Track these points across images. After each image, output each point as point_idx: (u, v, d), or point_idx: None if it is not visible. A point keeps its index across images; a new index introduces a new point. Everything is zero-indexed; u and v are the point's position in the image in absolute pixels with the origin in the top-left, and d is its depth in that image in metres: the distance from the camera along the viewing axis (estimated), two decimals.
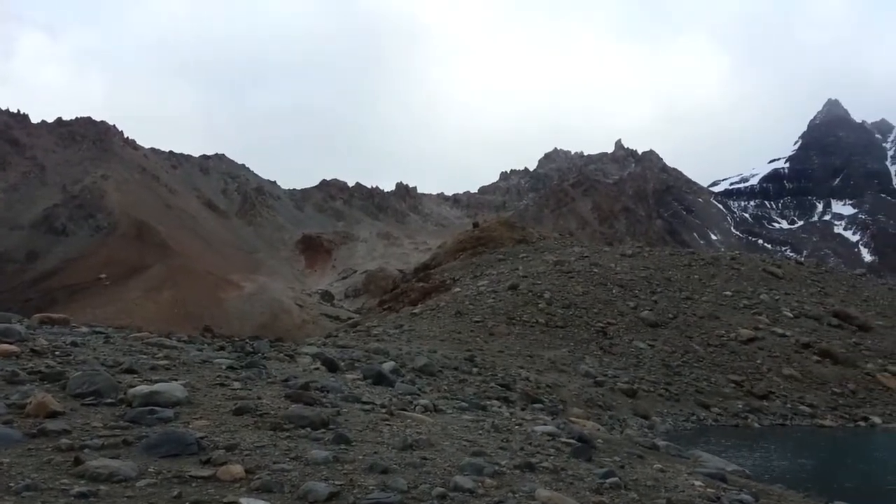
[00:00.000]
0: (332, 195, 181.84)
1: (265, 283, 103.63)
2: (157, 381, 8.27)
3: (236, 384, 9.57)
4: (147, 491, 4.95)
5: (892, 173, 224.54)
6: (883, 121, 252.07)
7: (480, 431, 9.13)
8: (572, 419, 14.94)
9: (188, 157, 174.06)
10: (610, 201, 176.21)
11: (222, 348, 14.56)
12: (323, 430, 7.41)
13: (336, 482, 5.60)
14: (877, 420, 26.04)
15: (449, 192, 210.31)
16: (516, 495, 5.89)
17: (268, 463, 5.92)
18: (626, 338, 31.07)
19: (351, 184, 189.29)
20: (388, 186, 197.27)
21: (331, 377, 12.48)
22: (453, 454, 7.20)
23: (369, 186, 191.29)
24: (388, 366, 16.17)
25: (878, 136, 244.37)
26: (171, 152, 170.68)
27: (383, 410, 9.39)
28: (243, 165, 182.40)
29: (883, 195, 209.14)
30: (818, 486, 12.15)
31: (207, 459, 5.79)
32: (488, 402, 14.74)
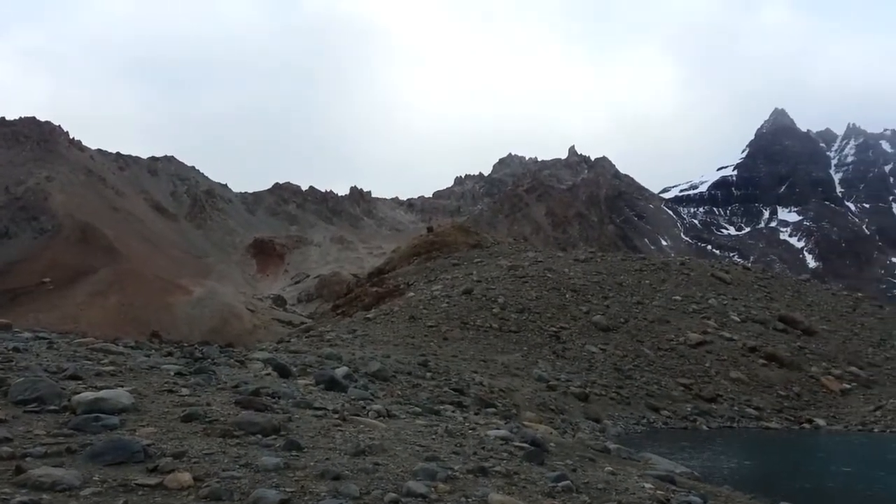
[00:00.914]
0: (285, 199, 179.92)
1: (215, 288, 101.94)
2: (102, 388, 8.08)
3: (185, 390, 9.39)
4: (92, 500, 4.82)
5: (836, 181, 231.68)
6: (827, 130, 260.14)
7: (433, 436, 9.11)
8: (525, 423, 15.01)
9: (136, 158, 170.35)
10: (563, 207, 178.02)
11: (170, 354, 14.27)
12: (274, 437, 7.31)
13: (287, 489, 5.52)
14: (821, 422, 26.77)
15: (404, 197, 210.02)
16: (469, 500, 5.89)
17: (217, 470, 5.82)
18: (579, 342, 31.40)
19: (304, 187, 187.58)
20: (343, 190, 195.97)
21: (282, 383, 12.33)
22: (406, 459, 7.17)
23: (323, 190, 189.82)
24: (341, 371, 16.03)
25: (822, 144, 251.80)
26: (118, 154, 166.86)
27: (336, 416, 9.31)
28: (193, 167, 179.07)
29: (826, 203, 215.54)
30: (764, 488, 12.42)
31: (154, 467, 5.66)
32: (442, 407, 14.72)
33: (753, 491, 10.92)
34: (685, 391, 28.45)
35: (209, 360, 13.94)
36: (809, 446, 22.38)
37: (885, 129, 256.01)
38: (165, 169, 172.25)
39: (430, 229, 57.42)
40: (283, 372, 13.90)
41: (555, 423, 19.57)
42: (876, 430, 25.45)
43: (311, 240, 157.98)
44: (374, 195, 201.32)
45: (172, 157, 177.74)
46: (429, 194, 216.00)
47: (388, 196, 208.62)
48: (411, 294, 37.97)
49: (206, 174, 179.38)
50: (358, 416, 9.85)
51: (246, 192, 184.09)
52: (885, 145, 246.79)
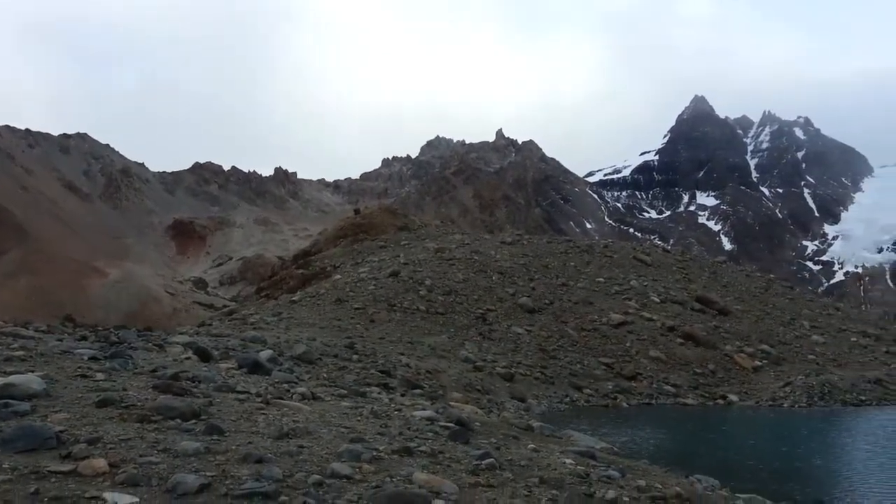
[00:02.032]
0: (206, 179, 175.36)
1: (133, 270, 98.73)
2: (11, 373, 7.80)
3: (100, 375, 9.11)
4: (2, 488, 4.64)
5: (752, 167, 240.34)
6: (744, 117, 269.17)
7: (359, 418, 9.08)
8: (451, 404, 15.12)
9: (46, 135, 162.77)
10: (491, 190, 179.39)
11: (84, 338, 13.79)
12: (194, 421, 7.17)
13: (207, 473, 5.42)
14: (734, 398, 27.91)
15: (330, 179, 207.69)
16: (394, 479, 5.89)
17: (134, 456, 5.67)
18: (505, 324, 31.78)
19: (226, 167, 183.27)
20: (267, 171, 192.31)
21: (203, 367, 12.08)
22: (331, 441, 7.13)
23: (246, 171, 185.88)
24: (265, 354, 15.81)
25: (739, 131, 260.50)
26: (27, 130, 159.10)
27: (259, 399, 9.18)
28: (107, 146, 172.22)
29: (742, 187, 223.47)
30: (680, 461, 12.87)
31: (68, 454, 5.49)
32: (368, 389, 14.69)
33: (670, 464, 11.30)
34: (607, 370, 29.19)
35: (126, 344, 13.54)
36: (723, 421, 23.29)
37: (799, 117, 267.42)
38: (78, 147, 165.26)
39: (357, 211, 57.03)
40: (204, 356, 13.60)
41: (481, 403, 19.80)
42: (785, 405, 26.67)
43: (233, 221, 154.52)
44: (299, 176, 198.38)
45: (86, 134, 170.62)
46: (356, 176, 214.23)
47: (314, 177, 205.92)
48: (338, 276, 37.67)
49: (121, 152, 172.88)
50: (282, 399, 9.74)
51: (164, 172, 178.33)
52: (798, 132, 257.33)
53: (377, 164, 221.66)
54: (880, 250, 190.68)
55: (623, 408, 25.14)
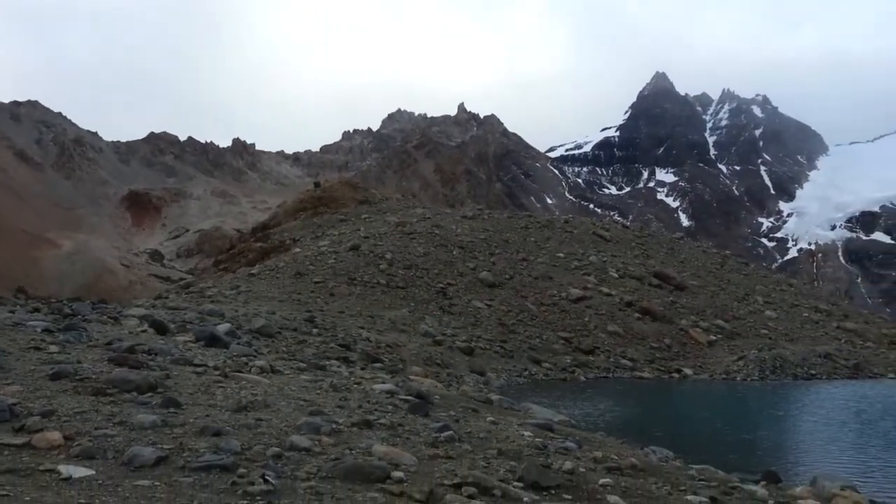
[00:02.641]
0: (162, 149, 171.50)
1: (86, 242, 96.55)
2: None
3: (53, 348, 8.96)
4: None
5: (710, 144, 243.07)
6: (704, 94, 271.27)
7: (318, 391, 9.08)
8: (411, 377, 15.19)
9: None
10: (452, 164, 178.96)
11: (37, 310, 13.51)
12: (150, 394, 7.10)
13: (164, 446, 5.38)
14: (688, 371, 28.53)
15: (289, 151, 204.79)
16: (353, 452, 5.91)
17: (89, 429, 5.61)
18: (465, 298, 31.92)
19: (182, 138, 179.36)
20: (224, 142, 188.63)
21: (160, 340, 11.94)
22: (290, 414, 7.12)
23: (203, 141, 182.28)
24: (223, 327, 15.67)
25: (698, 108, 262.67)
26: None
27: (216, 373, 9.12)
28: (60, 114, 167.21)
29: (701, 164, 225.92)
30: (636, 433, 13.13)
31: (21, 427, 5.42)
32: (328, 363, 14.68)
33: (626, 436, 11.52)
34: (565, 344, 29.56)
35: (80, 317, 13.31)
36: (677, 394, 23.81)
37: (757, 95, 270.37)
38: (29, 115, 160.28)
39: (317, 184, 56.56)
40: (161, 328, 13.43)
41: (440, 376, 19.91)
42: (738, 378, 27.36)
43: (190, 193, 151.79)
44: (258, 148, 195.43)
45: (37, 102, 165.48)
46: (316, 149, 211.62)
47: (274, 149, 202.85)
48: (297, 250, 37.38)
49: (74, 121, 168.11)
50: (240, 372, 9.68)
51: (119, 142, 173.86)
52: (756, 110, 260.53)
53: (337, 137, 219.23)
54: (833, 228, 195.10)
55: (581, 381, 25.52)
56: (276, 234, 43.72)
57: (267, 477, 4.91)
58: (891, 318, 60.70)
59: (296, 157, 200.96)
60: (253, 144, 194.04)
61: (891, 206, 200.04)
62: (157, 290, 57.30)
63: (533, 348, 28.41)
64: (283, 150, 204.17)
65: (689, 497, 6.06)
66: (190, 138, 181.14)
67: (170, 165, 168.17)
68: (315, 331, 21.38)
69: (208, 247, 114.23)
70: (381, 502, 4.70)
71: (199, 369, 9.20)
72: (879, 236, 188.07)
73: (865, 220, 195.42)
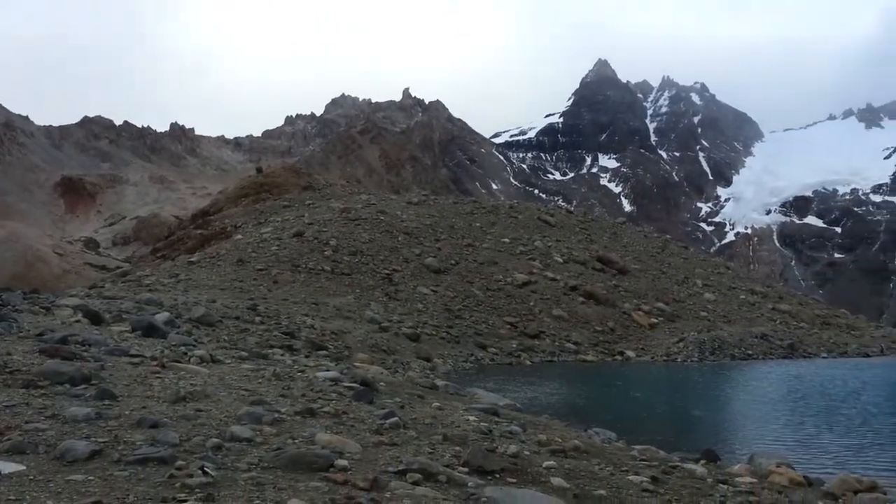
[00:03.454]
0: (96, 134, 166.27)
1: (17, 230, 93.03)
2: None
3: None
4: None
5: (651, 130, 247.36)
6: (644, 82, 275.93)
7: (260, 380, 8.92)
8: (357, 364, 15.08)
9: None
10: (397, 149, 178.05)
11: None
12: (84, 386, 6.87)
13: (99, 439, 5.21)
14: (631, 354, 29.12)
15: (230, 135, 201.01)
16: (296, 441, 5.81)
17: (19, 423, 5.41)
18: (411, 284, 31.87)
19: (118, 122, 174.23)
20: (162, 126, 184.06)
21: (94, 330, 11.57)
22: (230, 404, 6.97)
23: (139, 126, 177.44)
24: (161, 317, 15.30)
25: (639, 95, 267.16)
26: None
27: (154, 363, 8.89)
28: None
29: (642, 150, 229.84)
30: (580, 415, 13.31)
31: None
32: (270, 351, 14.47)
33: (570, 419, 11.67)
34: (511, 329, 29.81)
35: (10, 307, 12.80)
36: (620, 377, 24.22)
37: (696, 83, 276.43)
38: None
39: (259, 170, 55.75)
40: (95, 318, 13.03)
41: (386, 363, 19.85)
42: (679, 360, 28.04)
43: (126, 178, 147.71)
44: (197, 132, 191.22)
45: None
46: (257, 133, 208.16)
47: (214, 134, 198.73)
48: (239, 237, 36.77)
49: (3, 105, 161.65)
50: (179, 362, 9.46)
51: (51, 126, 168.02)
52: (695, 97, 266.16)
53: (280, 122, 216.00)
54: (768, 212, 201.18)
55: (526, 365, 25.77)
56: (217, 221, 42.90)
57: (206, 468, 4.79)
58: (823, 300, 63.01)
59: (237, 142, 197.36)
60: (192, 129, 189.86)
61: (823, 190, 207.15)
62: (93, 279, 55.65)
63: (479, 333, 28.56)
64: (223, 135, 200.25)
65: (630, 477, 6.14)
66: (126, 122, 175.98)
67: (105, 150, 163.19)
68: (258, 319, 21.05)
69: (146, 234, 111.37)
70: (324, 491, 4.62)
71: (136, 360, 8.95)
72: (812, 220, 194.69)
73: (799, 205, 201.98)
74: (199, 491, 4.39)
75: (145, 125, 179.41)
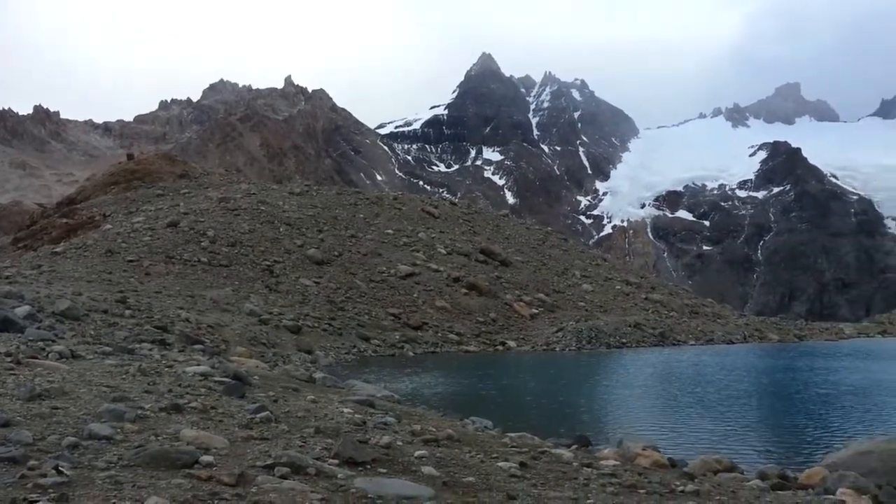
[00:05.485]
0: None
1: None
2: None
3: None
4: None
5: (533, 125, 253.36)
6: (527, 76, 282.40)
7: (124, 376, 8.55)
8: (234, 358, 14.70)
9: None
10: (279, 138, 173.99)
11: None
12: None
13: None
14: (512, 344, 29.80)
15: (99, 120, 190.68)
16: (159, 438, 5.60)
17: None
18: (293, 276, 31.35)
19: None
20: (24, 109, 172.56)
21: None
22: (90, 401, 6.66)
23: None
24: (21, 310, 14.40)
25: (522, 90, 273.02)
26: None
27: (8, 359, 8.38)
28: None
29: (525, 144, 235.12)
30: (459, 405, 13.50)
31: None
32: (139, 346, 13.86)
33: (449, 409, 11.82)
34: (394, 320, 29.86)
35: None
36: (501, 366, 24.75)
37: (576, 79, 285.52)
38: None
39: (130, 156, 53.34)
40: None
41: (266, 356, 19.45)
42: (557, 349, 28.94)
43: None
44: (63, 116, 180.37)
45: None
46: (129, 118, 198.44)
47: (81, 118, 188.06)
48: (108, 226, 35.00)
49: None
50: (36, 358, 8.95)
51: None
52: (576, 94, 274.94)
53: (154, 107, 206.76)
54: (643, 206, 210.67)
55: (409, 357, 25.90)
56: (84, 210, 40.70)
57: (60, 468, 4.57)
58: (692, 290, 66.69)
59: (106, 127, 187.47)
60: (57, 112, 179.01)
61: (693, 186, 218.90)
62: None
63: (362, 325, 28.45)
64: (91, 119, 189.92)
65: (500, 464, 6.28)
66: None
67: None
68: (128, 312, 20.11)
69: (6, 223, 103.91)
70: (187, 488, 4.47)
71: None
72: (683, 214, 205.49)
73: (671, 199, 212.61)
74: (52, 491, 4.20)
75: (5, 107, 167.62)
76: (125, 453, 5.08)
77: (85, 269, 27.25)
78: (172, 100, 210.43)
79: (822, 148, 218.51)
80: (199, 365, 10.11)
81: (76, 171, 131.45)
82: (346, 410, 7.99)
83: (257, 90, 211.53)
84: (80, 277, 25.69)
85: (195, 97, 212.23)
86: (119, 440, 5.46)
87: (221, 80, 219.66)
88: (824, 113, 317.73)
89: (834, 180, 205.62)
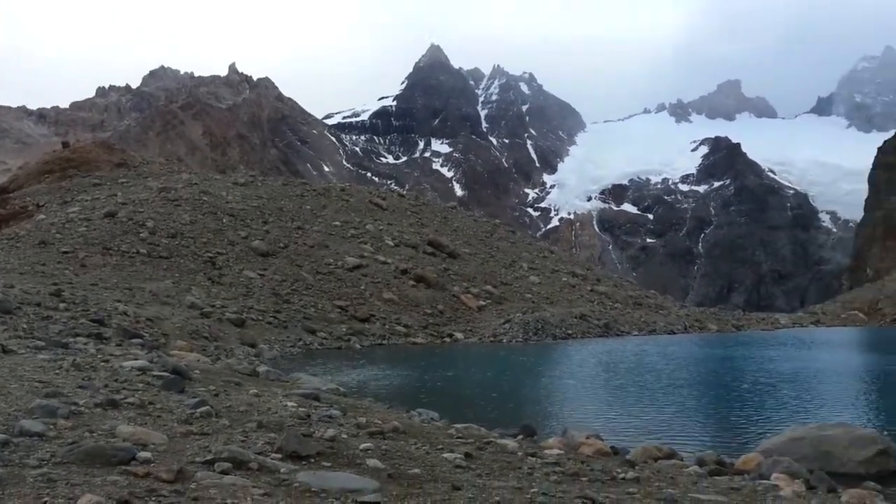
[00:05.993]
0: None
1: None
2: None
3: None
4: None
5: (482, 117, 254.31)
6: (476, 69, 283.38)
7: (58, 371, 8.28)
8: (174, 352, 14.37)
9: None
10: (223, 127, 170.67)
11: None
12: None
13: None
14: (459, 335, 29.90)
15: (33, 106, 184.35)
16: (94, 434, 5.42)
17: None
18: (236, 268, 30.85)
19: None
20: None
21: None
22: (21, 397, 6.42)
23: None
24: None
25: (471, 82, 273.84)
26: None
27: None
28: None
29: (473, 136, 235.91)
30: (406, 397, 13.47)
31: None
32: (74, 340, 13.43)
33: (394, 401, 11.76)
34: (341, 313, 29.64)
35: None
36: (448, 358, 24.78)
37: (524, 73, 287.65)
38: None
39: (65, 144, 51.81)
40: None
41: (207, 350, 19.09)
42: (504, 340, 29.13)
43: None
44: None
45: None
46: (65, 105, 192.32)
47: (13, 104, 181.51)
48: (42, 216, 33.94)
49: None
50: None
51: None
52: (524, 87, 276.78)
53: (91, 94, 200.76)
54: (589, 199, 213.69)
55: (356, 349, 25.74)
56: (17, 199, 39.37)
57: None
58: (636, 282, 67.97)
59: (41, 114, 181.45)
60: None
61: (637, 179, 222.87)
62: None
63: (308, 318, 28.15)
64: (24, 106, 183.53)
65: (445, 455, 6.27)
66: None
67: None
68: (62, 305, 19.48)
69: None
70: (123, 485, 4.33)
71: None
72: (628, 207, 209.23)
73: (616, 193, 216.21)
74: None
75: None
76: (58, 450, 4.91)
77: (17, 261, 26.34)
78: (110, 86, 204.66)
79: (760, 144, 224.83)
80: (136, 359, 9.84)
81: (9, 159, 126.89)
82: (290, 404, 7.88)
83: (200, 77, 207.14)
84: (12, 269, 24.81)
85: (135, 84, 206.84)
86: (52, 437, 5.27)
87: (162, 67, 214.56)
88: (763, 110, 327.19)
89: (772, 175, 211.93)
